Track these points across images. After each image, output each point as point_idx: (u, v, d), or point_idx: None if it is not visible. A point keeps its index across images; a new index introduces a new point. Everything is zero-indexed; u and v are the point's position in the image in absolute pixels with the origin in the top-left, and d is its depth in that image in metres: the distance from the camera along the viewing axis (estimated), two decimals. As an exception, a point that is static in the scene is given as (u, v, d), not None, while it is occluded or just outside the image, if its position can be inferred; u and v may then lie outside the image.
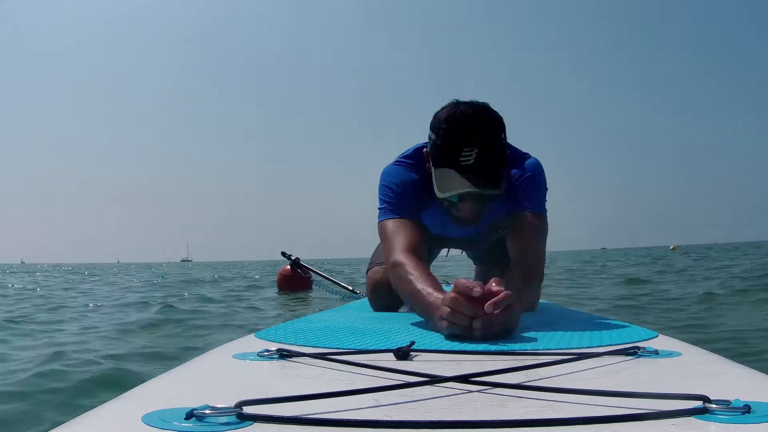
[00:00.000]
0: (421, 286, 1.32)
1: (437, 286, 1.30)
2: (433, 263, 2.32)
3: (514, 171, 1.62)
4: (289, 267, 6.47)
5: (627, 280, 7.77)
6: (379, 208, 1.66)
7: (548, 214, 1.66)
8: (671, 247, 52.28)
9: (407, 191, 1.62)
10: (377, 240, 1.79)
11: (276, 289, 6.75)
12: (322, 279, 6.35)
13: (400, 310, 1.91)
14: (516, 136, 1.58)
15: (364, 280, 2.74)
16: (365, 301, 1.98)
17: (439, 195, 1.47)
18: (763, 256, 15.62)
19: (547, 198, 1.66)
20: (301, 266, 6.43)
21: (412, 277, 1.37)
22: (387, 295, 1.86)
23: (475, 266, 2.40)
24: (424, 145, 1.64)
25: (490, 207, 1.59)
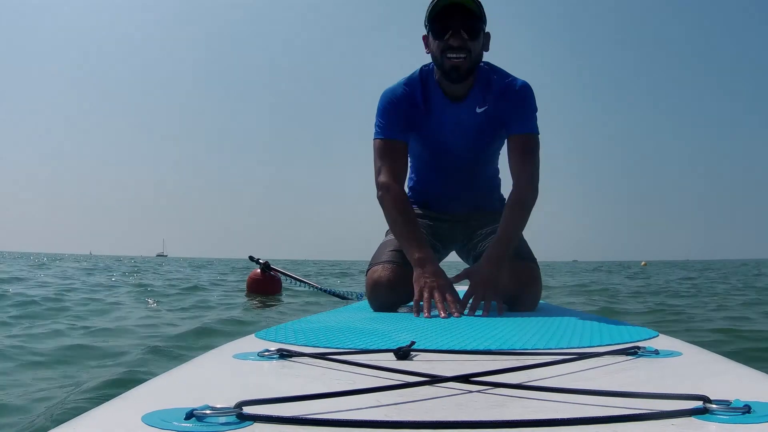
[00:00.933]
0: (407, 233, 1.75)
1: (421, 240, 1.74)
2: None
3: (507, 80, 1.84)
4: (259, 270, 6.43)
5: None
6: (374, 126, 1.90)
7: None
8: (642, 263, 51.92)
9: (399, 106, 1.86)
10: (370, 244, 2.06)
11: (245, 293, 6.66)
12: (294, 280, 6.39)
13: (400, 310, 1.91)
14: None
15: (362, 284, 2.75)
16: (365, 301, 1.98)
17: (427, 19, 1.74)
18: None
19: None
20: (271, 269, 6.42)
21: (400, 219, 1.78)
22: (386, 293, 1.87)
23: None
24: (426, 65, 1.90)
25: (481, 118, 1.85)
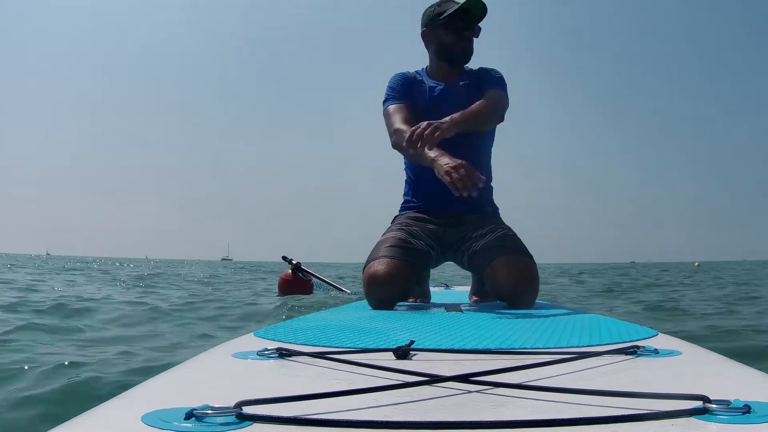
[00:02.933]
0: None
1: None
2: (433, 270, 2.33)
3: (483, 67, 2.26)
4: (290, 271, 6.48)
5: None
6: (383, 102, 2.22)
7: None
8: (696, 263, 51.14)
9: (403, 82, 2.23)
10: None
11: (276, 293, 6.74)
12: (322, 282, 6.34)
13: (398, 308, 1.91)
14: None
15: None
16: (365, 300, 1.98)
17: (451, 16, 2.12)
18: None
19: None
20: (302, 270, 6.44)
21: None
22: (382, 288, 1.87)
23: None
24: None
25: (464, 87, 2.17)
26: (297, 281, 6.38)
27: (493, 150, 2.27)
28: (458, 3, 2.15)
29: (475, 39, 2.22)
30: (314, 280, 6.56)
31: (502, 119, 2.16)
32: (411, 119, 2.10)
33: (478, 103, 2.04)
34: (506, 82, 2.24)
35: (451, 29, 2.17)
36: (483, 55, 2.31)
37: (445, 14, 2.16)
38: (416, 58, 2.38)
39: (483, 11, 2.15)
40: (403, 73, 2.28)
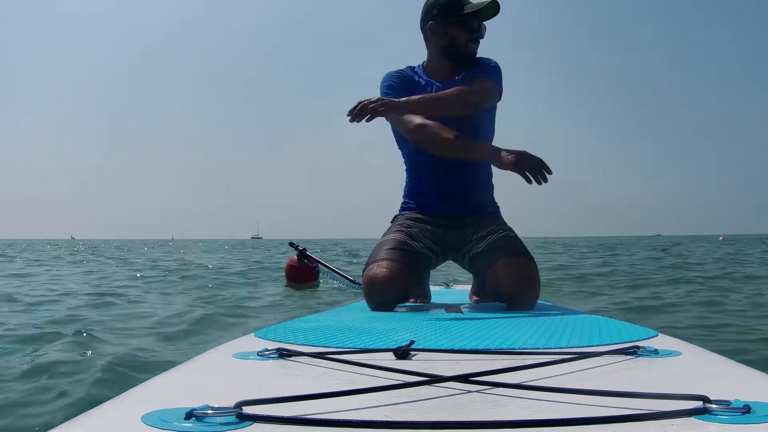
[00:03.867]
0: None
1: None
2: (434, 270, 2.33)
3: (480, 58, 2.17)
4: (296, 257, 6.47)
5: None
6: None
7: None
8: (720, 237, 50.77)
9: (400, 80, 2.17)
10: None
11: (284, 281, 6.84)
12: (329, 270, 6.32)
13: (398, 309, 1.91)
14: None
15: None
16: (365, 301, 1.98)
17: (471, 14, 2.07)
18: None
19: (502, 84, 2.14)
20: (308, 257, 6.42)
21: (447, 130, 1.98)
22: (382, 291, 1.87)
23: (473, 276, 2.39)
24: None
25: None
26: (303, 267, 6.36)
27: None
28: (474, 1, 2.09)
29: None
30: (321, 268, 6.53)
31: (476, 108, 2.06)
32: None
33: (451, 89, 1.99)
34: (501, 71, 2.17)
35: (467, 28, 2.11)
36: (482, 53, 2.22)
37: (463, 11, 2.09)
38: (410, 52, 2.32)
39: (496, 12, 2.11)
40: (399, 71, 2.21)
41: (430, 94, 2.00)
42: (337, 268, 6.07)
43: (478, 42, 2.14)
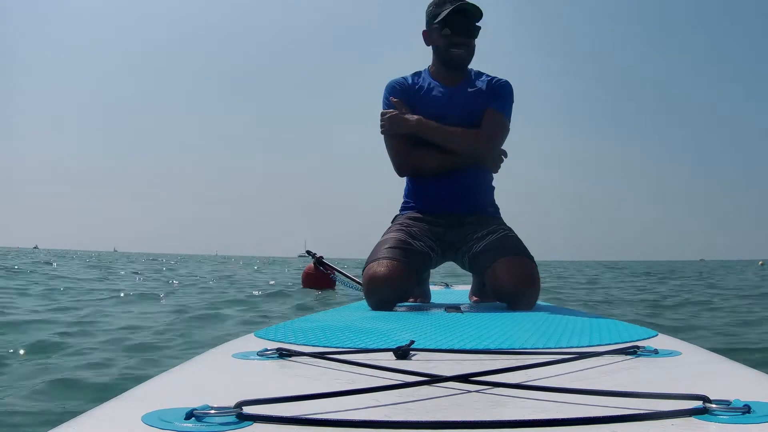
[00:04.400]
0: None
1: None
2: (433, 270, 2.33)
3: (492, 77, 2.18)
4: (313, 265, 6.61)
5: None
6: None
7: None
8: (760, 262, 48.45)
9: (399, 89, 2.17)
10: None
11: (300, 286, 6.93)
12: (344, 277, 6.39)
13: (398, 309, 1.91)
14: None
15: None
16: (365, 301, 1.98)
17: (438, 18, 2.06)
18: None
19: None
20: (323, 264, 6.52)
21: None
22: (382, 289, 1.87)
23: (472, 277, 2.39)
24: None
25: (471, 90, 2.13)
26: (319, 275, 6.48)
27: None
28: (453, 4, 2.07)
29: (476, 40, 2.14)
30: (337, 275, 6.60)
31: (486, 155, 2.10)
32: (410, 139, 2.11)
33: (465, 130, 2.04)
34: (513, 95, 2.17)
35: (445, 33, 2.10)
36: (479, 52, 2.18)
37: (439, 17, 2.08)
38: (420, 54, 2.28)
39: (478, 13, 2.06)
40: (400, 81, 2.19)
41: (448, 130, 2.05)
42: (352, 275, 6.13)
43: (463, 47, 2.09)
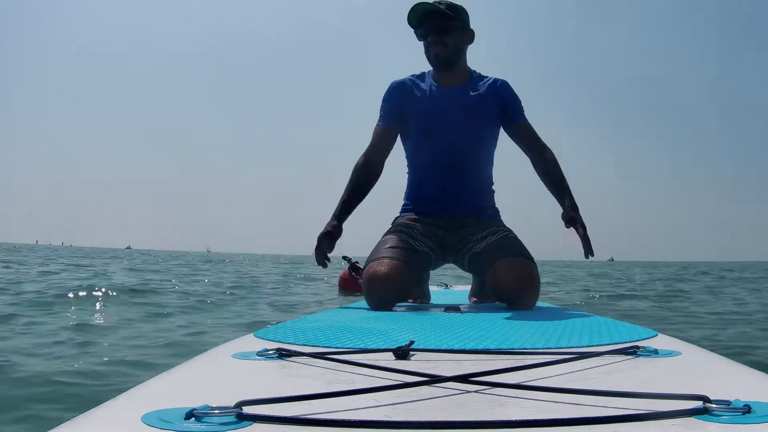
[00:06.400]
0: (342, 200, 2.12)
1: (340, 211, 2.11)
2: (434, 271, 2.33)
3: (493, 78, 2.18)
4: (348, 270, 6.91)
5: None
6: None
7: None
8: None
9: (396, 93, 2.17)
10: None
11: (337, 290, 7.36)
12: None
13: (398, 309, 1.91)
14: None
15: None
16: (365, 301, 1.98)
17: (413, 27, 2.08)
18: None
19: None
20: (357, 269, 6.70)
21: (347, 186, 2.13)
22: (382, 288, 1.87)
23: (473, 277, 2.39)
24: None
25: (473, 96, 2.11)
26: (353, 280, 6.67)
27: (508, 153, 2.28)
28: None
29: (452, 40, 2.07)
30: None
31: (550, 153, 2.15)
32: (391, 143, 2.17)
33: (556, 171, 2.08)
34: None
35: (418, 36, 2.11)
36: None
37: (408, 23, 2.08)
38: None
39: (437, 10, 2.02)
40: (400, 84, 2.19)
41: (566, 181, 2.08)
42: None
43: (440, 45, 2.06)
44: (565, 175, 2.10)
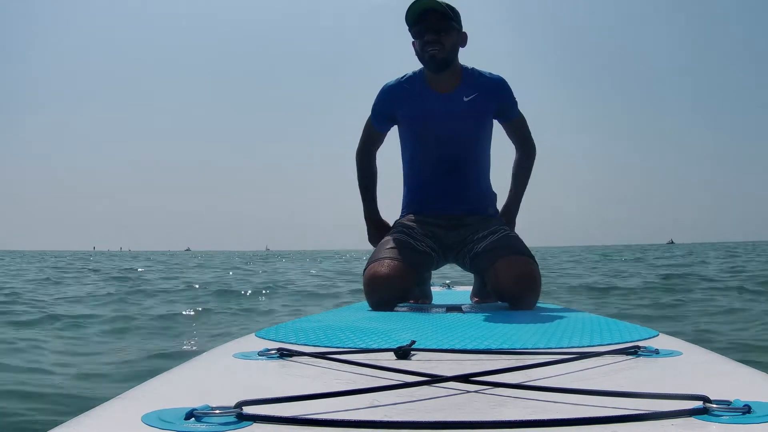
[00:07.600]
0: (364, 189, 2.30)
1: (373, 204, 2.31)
2: (435, 271, 2.33)
3: (488, 76, 2.16)
4: None
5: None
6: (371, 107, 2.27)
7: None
8: None
9: (387, 99, 2.19)
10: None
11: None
12: None
13: (398, 309, 1.91)
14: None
15: None
16: (365, 302, 1.98)
17: (409, 25, 2.06)
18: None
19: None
20: None
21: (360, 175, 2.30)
22: (382, 288, 1.87)
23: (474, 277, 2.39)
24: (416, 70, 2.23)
25: (469, 93, 2.09)
26: None
27: (504, 151, 2.29)
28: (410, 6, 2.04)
29: (450, 41, 2.03)
30: None
31: (534, 154, 2.27)
32: (380, 140, 2.26)
33: (519, 171, 2.24)
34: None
35: (413, 34, 2.06)
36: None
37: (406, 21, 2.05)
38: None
39: (438, 7, 1.98)
40: (391, 89, 2.17)
41: (519, 194, 2.29)
42: None
43: (437, 45, 2.01)
44: (526, 182, 2.29)
